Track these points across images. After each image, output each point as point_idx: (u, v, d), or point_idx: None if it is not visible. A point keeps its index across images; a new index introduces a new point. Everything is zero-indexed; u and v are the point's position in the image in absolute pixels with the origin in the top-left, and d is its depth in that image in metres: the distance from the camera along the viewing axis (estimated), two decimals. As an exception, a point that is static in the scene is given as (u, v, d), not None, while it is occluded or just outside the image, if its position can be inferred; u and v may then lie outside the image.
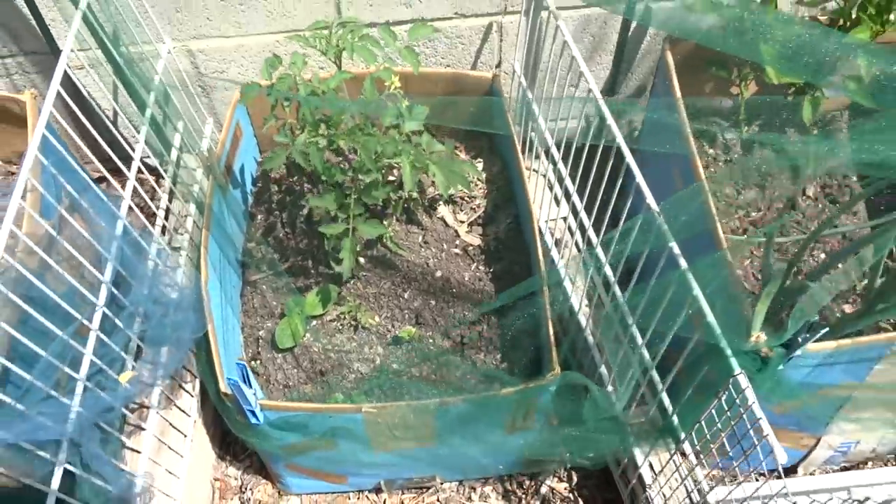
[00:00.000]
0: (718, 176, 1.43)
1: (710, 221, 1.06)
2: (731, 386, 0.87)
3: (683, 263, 0.86)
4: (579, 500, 1.43)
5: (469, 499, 1.44)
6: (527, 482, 1.45)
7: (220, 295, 1.22)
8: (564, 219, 1.45)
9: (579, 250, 1.35)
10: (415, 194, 1.42)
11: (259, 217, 1.47)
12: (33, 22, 1.34)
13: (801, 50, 1.10)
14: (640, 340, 1.04)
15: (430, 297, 1.34)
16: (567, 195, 1.35)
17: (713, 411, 0.93)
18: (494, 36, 1.46)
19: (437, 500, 1.43)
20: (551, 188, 1.49)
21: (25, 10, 1.32)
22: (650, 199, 0.92)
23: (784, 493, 0.82)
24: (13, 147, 1.42)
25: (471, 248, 1.43)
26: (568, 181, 1.35)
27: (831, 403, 1.13)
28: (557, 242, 1.49)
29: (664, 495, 1.17)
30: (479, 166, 1.52)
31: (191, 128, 1.45)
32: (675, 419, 1.00)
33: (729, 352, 0.85)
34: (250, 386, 1.02)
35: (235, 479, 1.46)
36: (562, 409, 1.12)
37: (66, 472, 0.88)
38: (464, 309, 1.32)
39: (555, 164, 1.40)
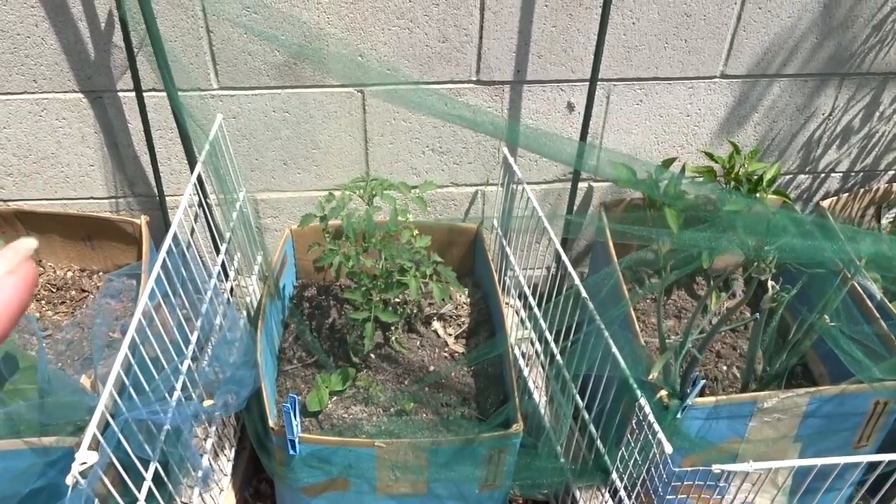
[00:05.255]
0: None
1: (622, 296, 1.52)
2: (636, 411, 1.27)
3: (600, 321, 1.30)
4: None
5: (449, 563, 1.71)
6: (498, 551, 1.74)
7: (266, 369, 1.61)
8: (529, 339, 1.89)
9: (533, 345, 1.79)
10: (415, 310, 1.87)
11: (292, 325, 1.89)
12: (150, 174, 1.86)
13: (695, 212, 1.65)
14: (572, 387, 1.45)
15: (425, 386, 1.73)
16: (532, 318, 1.81)
17: (630, 440, 1.32)
18: (479, 199, 2.00)
19: (422, 563, 1.70)
20: (518, 314, 1.95)
21: (149, 168, 1.84)
22: (577, 280, 1.39)
23: None
24: (115, 260, 1.87)
25: (456, 353, 1.84)
26: (534, 307, 1.81)
27: (726, 460, 1.49)
28: (523, 354, 1.92)
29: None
30: (465, 294, 1.99)
31: (249, 257, 1.92)
32: (602, 447, 1.38)
33: (633, 382, 1.26)
34: (297, 417, 1.39)
35: (253, 542, 1.74)
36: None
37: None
38: (449, 395, 1.71)
39: (523, 297, 1.88)
